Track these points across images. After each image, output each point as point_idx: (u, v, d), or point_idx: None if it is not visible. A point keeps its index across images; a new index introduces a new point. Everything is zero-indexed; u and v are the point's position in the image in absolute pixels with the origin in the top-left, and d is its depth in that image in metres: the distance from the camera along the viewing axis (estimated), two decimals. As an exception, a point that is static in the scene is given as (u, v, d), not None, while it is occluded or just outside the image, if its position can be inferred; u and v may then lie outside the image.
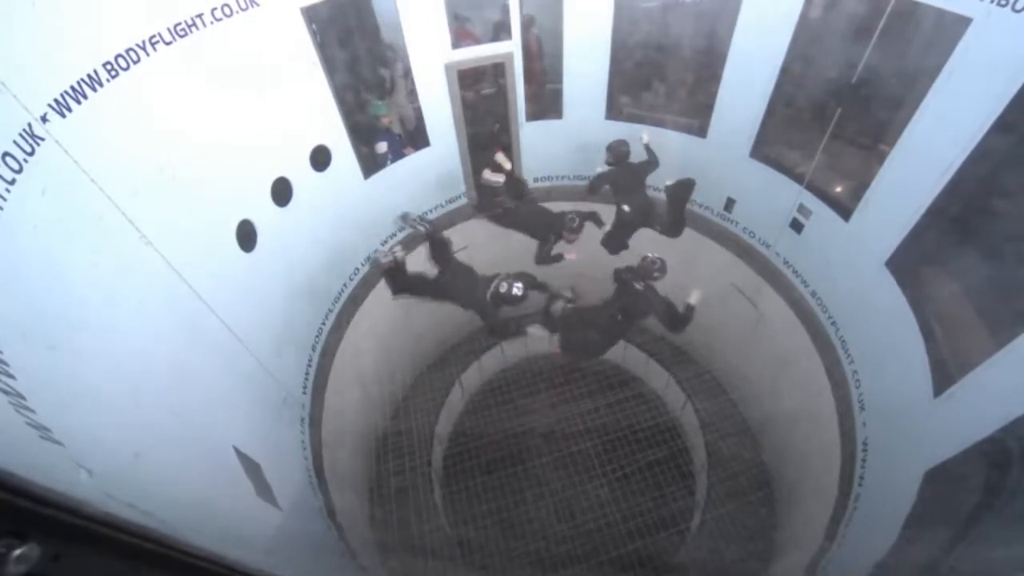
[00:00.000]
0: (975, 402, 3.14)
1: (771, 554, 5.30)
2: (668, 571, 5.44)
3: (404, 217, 4.52)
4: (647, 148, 5.06)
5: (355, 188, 4.81)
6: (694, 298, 4.26)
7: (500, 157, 5.05)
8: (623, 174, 5.06)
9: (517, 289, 3.94)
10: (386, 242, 5.47)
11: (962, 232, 3.54)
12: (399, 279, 4.40)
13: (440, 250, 4.33)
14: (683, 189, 5.11)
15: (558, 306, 4.32)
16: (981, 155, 3.08)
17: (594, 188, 5.20)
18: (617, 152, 5.02)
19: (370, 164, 4.92)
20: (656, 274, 4.26)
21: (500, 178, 4.96)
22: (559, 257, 5.00)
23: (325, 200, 4.43)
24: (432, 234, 4.33)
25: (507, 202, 5.07)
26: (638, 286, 4.30)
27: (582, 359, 4.92)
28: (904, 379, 3.68)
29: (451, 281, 4.31)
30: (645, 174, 5.14)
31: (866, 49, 3.69)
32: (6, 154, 1.92)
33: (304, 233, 4.21)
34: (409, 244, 5.20)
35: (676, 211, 5.20)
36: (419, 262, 5.00)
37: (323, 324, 4.72)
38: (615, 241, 5.23)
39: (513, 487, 6.30)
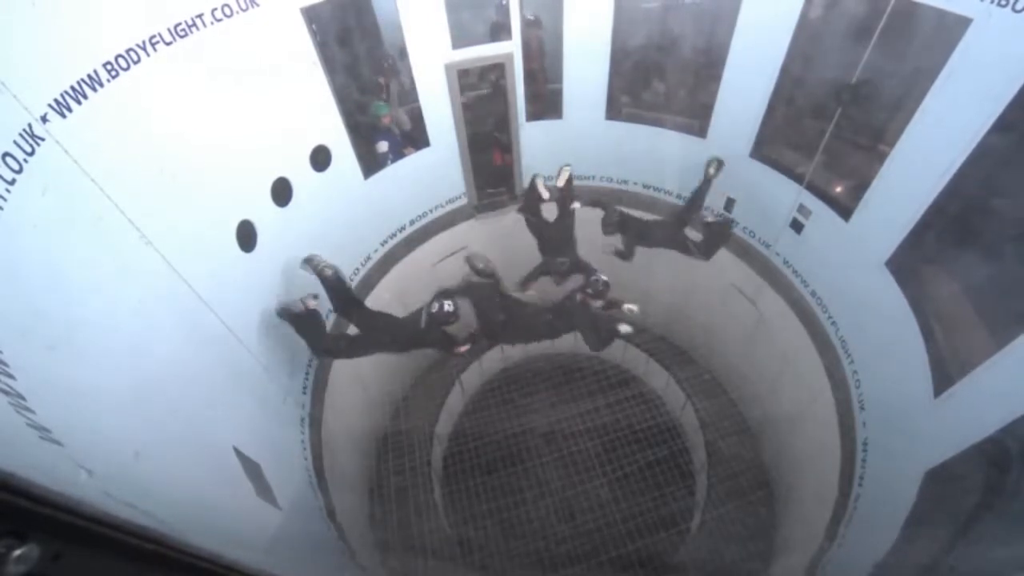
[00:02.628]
0: (975, 402, 3.14)
1: (771, 554, 5.31)
2: (668, 571, 5.44)
3: (309, 260, 4.08)
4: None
5: (355, 188, 4.81)
6: (623, 329, 4.26)
7: (540, 183, 4.93)
8: (638, 230, 5.03)
9: (448, 306, 3.85)
10: (369, 258, 5.39)
11: (962, 232, 3.54)
12: (318, 338, 4.13)
13: (343, 298, 4.13)
14: (723, 235, 4.93)
15: (478, 267, 4.26)
16: (981, 155, 3.08)
17: (626, 257, 5.15)
18: (612, 222, 4.96)
19: (370, 164, 4.92)
20: (589, 289, 4.23)
21: (546, 194, 4.88)
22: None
23: (325, 200, 4.43)
24: (335, 280, 4.06)
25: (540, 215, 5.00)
26: (578, 297, 4.30)
27: (494, 339, 4.89)
28: (904, 379, 3.68)
29: (374, 330, 4.13)
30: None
31: (866, 49, 3.69)
32: (6, 154, 1.92)
33: (304, 233, 4.20)
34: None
35: (713, 247, 5.02)
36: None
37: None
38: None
39: (513, 487, 6.30)
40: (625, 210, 5.12)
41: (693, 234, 5.00)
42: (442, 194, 5.80)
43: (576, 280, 4.67)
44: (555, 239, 4.95)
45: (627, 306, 4.31)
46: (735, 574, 5.24)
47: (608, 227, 5.00)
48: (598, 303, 4.23)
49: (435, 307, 3.87)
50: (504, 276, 4.50)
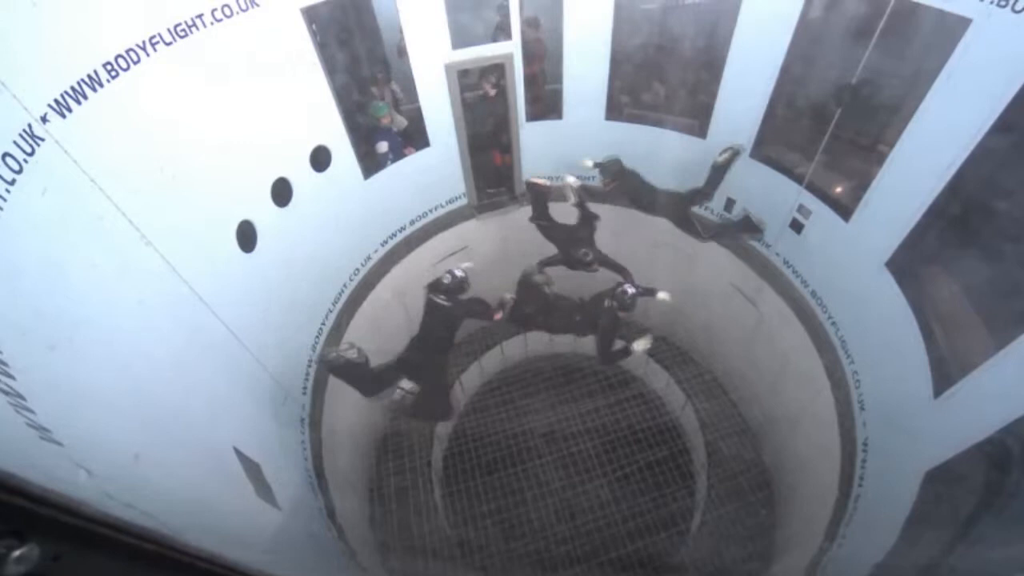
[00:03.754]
0: (975, 402, 3.14)
1: (771, 554, 5.30)
2: (668, 571, 5.44)
3: (325, 358, 3.95)
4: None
5: (355, 188, 4.81)
6: (638, 346, 4.31)
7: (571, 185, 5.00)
8: (638, 188, 5.09)
9: (459, 272, 3.99)
10: (369, 258, 5.36)
11: (962, 232, 3.54)
12: (368, 380, 4.13)
13: (375, 376, 4.11)
14: (750, 230, 5.07)
15: (539, 278, 4.42)
16: (981, 155, 3.08)
17: (605, 186, 5.20)
18: (613, 171, 5.03)
19: (370, 164, 4.92)
20: (615, 302, 4.28)
21: (573, 198, 4.96)
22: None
23: (325, 200, 4.43)
24: (364, 361, 3.99)
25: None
26: (607, 303, 4.35)
27: (527, 328, 5.02)
28: (904, 379, 3.68)
29: (418, 355, 4.16)
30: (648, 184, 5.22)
31: (866, 49, 3.69)
32: (6, 154, 1.92)
33: (304, 233, 4.21)
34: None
35: (728, 235, 5.22)
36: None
37: (323, 324, 4.72)
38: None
39: (513, 487, 6.29)
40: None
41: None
42: (442, 194, 5.79)
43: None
44: (571, 240, 4.98)
45: (660, 295, 4.47)
46: (735, 574, 5.24)
47: (606, 174, 5.06)
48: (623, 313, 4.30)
49: (447, 278, 3.95)
50: (505, 275, 4.52)
